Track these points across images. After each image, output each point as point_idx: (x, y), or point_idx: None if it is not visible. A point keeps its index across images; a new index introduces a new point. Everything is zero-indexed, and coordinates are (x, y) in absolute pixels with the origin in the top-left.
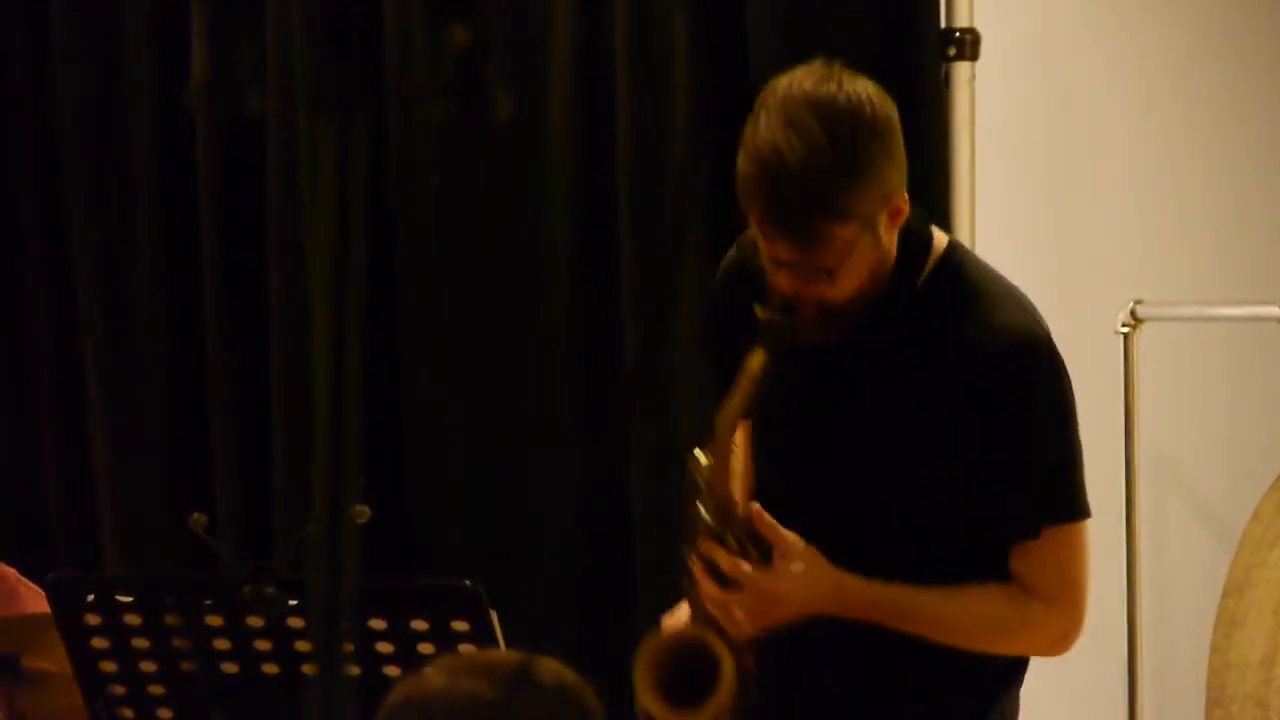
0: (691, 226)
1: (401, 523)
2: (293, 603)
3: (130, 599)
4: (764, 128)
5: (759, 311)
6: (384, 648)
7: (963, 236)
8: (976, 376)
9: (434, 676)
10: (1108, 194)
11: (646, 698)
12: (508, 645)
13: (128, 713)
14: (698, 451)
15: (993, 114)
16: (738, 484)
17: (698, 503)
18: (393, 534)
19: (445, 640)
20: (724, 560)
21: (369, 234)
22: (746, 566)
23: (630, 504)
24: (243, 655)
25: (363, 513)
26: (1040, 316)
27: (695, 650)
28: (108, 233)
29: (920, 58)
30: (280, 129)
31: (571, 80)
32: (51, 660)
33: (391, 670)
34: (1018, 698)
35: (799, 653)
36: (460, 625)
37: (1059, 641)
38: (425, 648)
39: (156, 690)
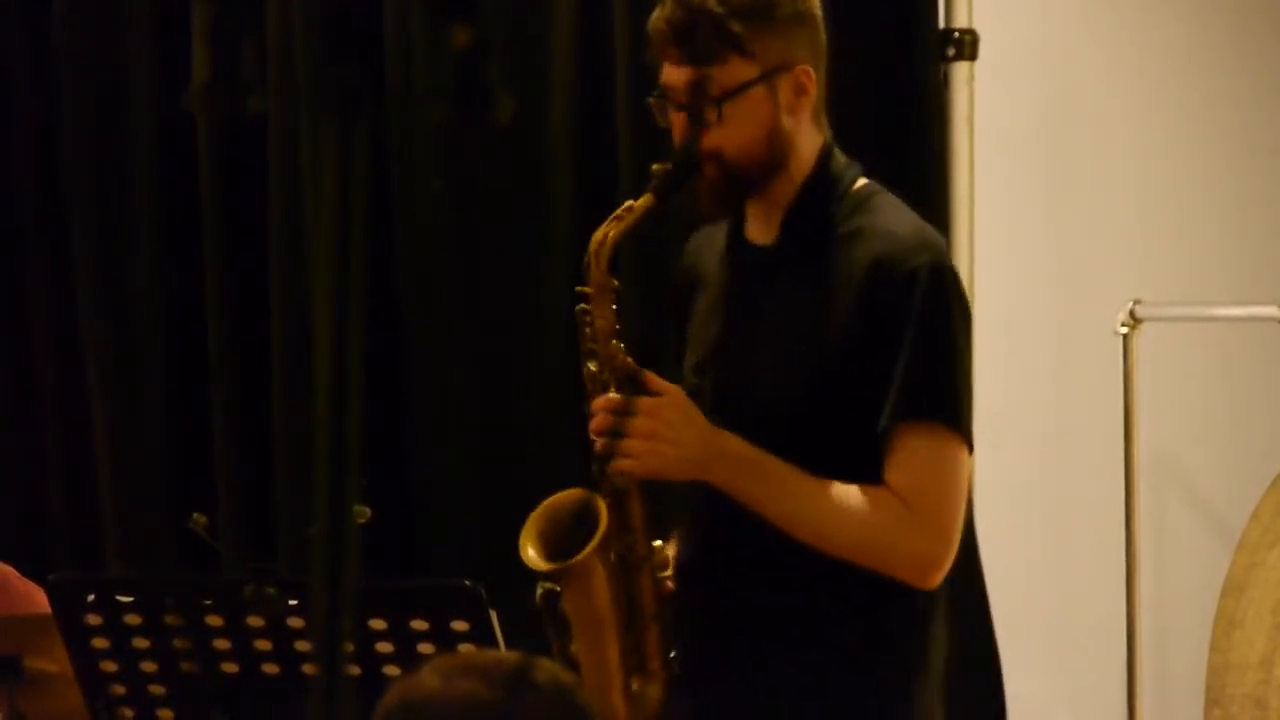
0: (692, 225)
1: (402, 523)
2: (293, 603)
3: (131, 599)
4: None
5: (654, 168)
6: (384, 648)
7: (962, 236)
8: (865, 275)
9: (429, 678)
10: (1107, 194)
11: (526, 551)
12: (508, 645)
13: (128, 713)
14: (579, 305)
15: (992, 114)
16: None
17: (588, 362)
18: (393, 534)
19: (445, 640)
20: (612, 396)
21: (370, 235)
22: (634, 398)
23: None
24: (243, 655)
25: (363, 513)
26: (939, 236)
27: (581, 508)
28: (108, 233)
29: (919, 58)
30: (281, 130)
31: (572, 81)
32: (53, 661)
33: (391, 670)
34: (931, 699)
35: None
36: (460, 625)
37: (925, 569)
38: (425, 648)
39: (157, 690)
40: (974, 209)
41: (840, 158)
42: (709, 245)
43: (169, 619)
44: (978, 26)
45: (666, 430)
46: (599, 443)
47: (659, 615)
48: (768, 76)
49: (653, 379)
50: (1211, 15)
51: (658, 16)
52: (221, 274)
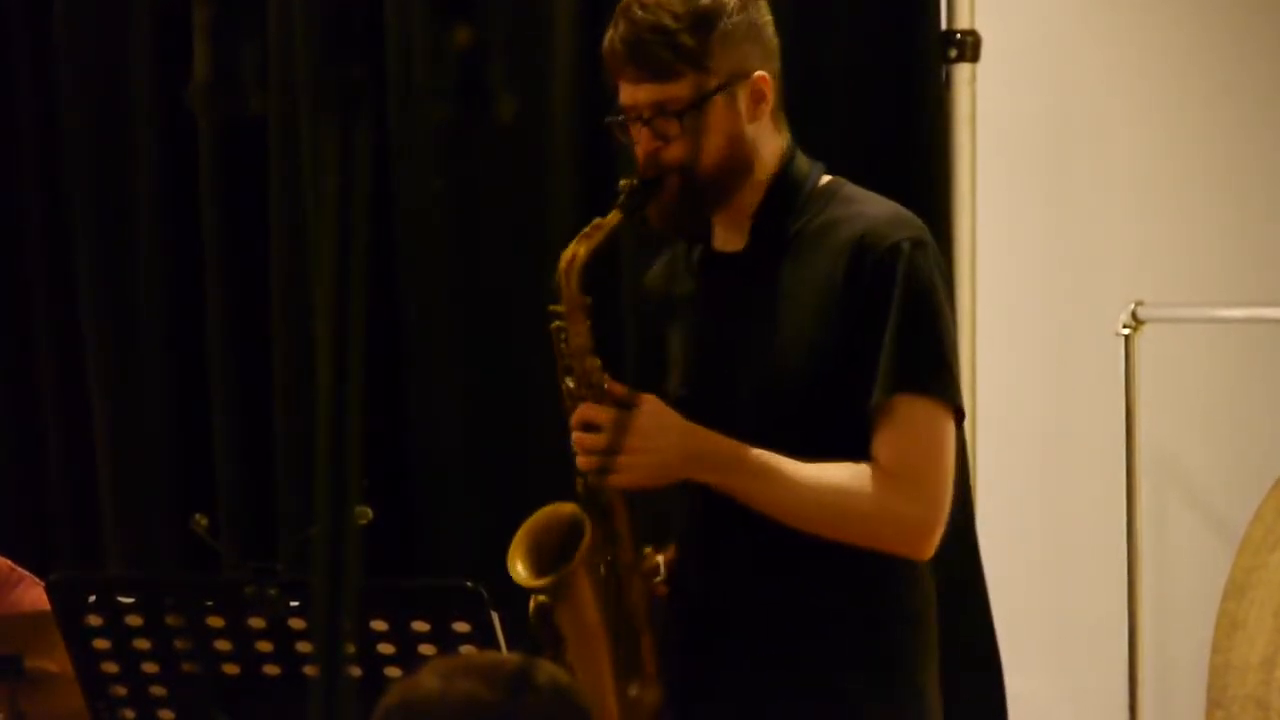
0: None
1: (403, 524)
2: (294, 604)
3: (132, 600)
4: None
5: (621, 184)
6: (385, 649)
7: (964, 237)
8: (847, 257)
9: (429, 679)
10: (1108, 195)
11: (514, 567)
12: (509, 647)
13: (129, 713)
14: (555, 322)
15: (993, 115)
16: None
17: (565, 378)
18: (395, 535)
19: (447, 641)
20: (590, 409)
21: (371, 235)
22: (605, 409)
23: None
24: (244, 656)
25: (364, 514)
26: (915, 216)
27: (567, 522)
28: (110, 233)
29: (921, 59)
30: (282, 129)
31: (572, 80)
32: (53, 661)
33: (393, 671)
34: (932, 693)
35: (705, 622)
36: (462, 626)
37: (916, 535)
38: (427, 649)
39: (158, 691)
40: (976, 210)
41: (802, 159)
42: (673, 269)
43: (170, 620)
44: (979, 28)
45: (644, 440)
46: (580, 459)
47: (652, 622)
48: (725, 87)
49: (625, 391)
50: (1213, 16)
51: (611, 37)
52: (222, 274)
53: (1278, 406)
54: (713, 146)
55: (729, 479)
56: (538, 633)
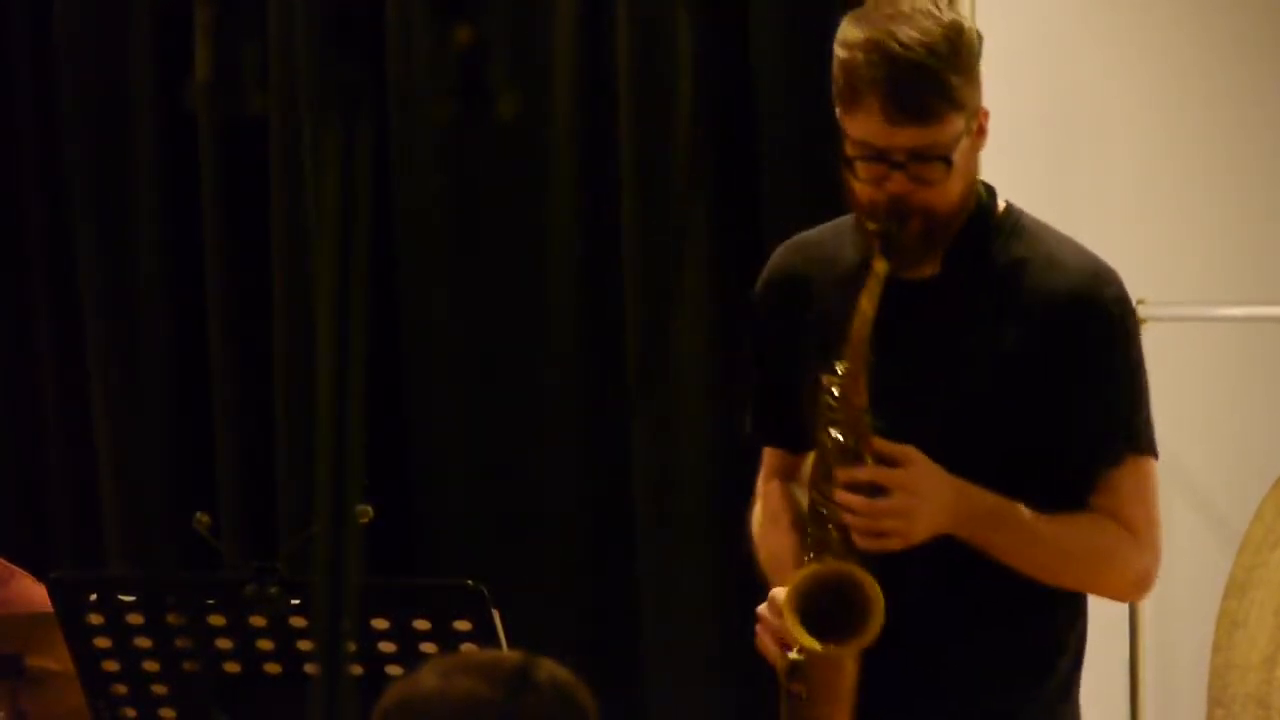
0: (693, 225)
1: (404, 523)
2: (295, 602)
3: (133, 598)
4: (870, 25)
5: (868, 225)
6: (387, 647)
7: None
8: (1058, 312)
9: (429, 677)
10: (1109, 194)
11: (800, 633)
12: (510, 645)
13: (130, 712)
14: (827, 376)
15: (993, 113)
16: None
17: (830, 429)
18: (395, 535)
19: (447, 640)
20: (867, 471)
21: (372, 233)
22: (888, 471)
23: (632, 502)
24: (245, 655)
25: (365, 512)
26: (1102, 259)
27: (838, 583)
28: (111, 231)
29: None
30: (282, 128)
31: (573, 79)
32: (54, 659)
33: (394, 670)
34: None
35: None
36: (462, 625)
37: (1141, 581)
38: (428, 647)
39: (159, 690)
40: None
41: (980, 184)
42: (817, 260)
43: (171, 618)
44: (980, 25)
45: (923, 504)
46: (854, 521)
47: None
48: (969, 124)
49: (895, 449)
50: (1213, 14)
51: (856, 68)
52: (223, 273)
53: (1279, 405)
54: (958, 186)
55: (992, 535)
56: (786, 684)
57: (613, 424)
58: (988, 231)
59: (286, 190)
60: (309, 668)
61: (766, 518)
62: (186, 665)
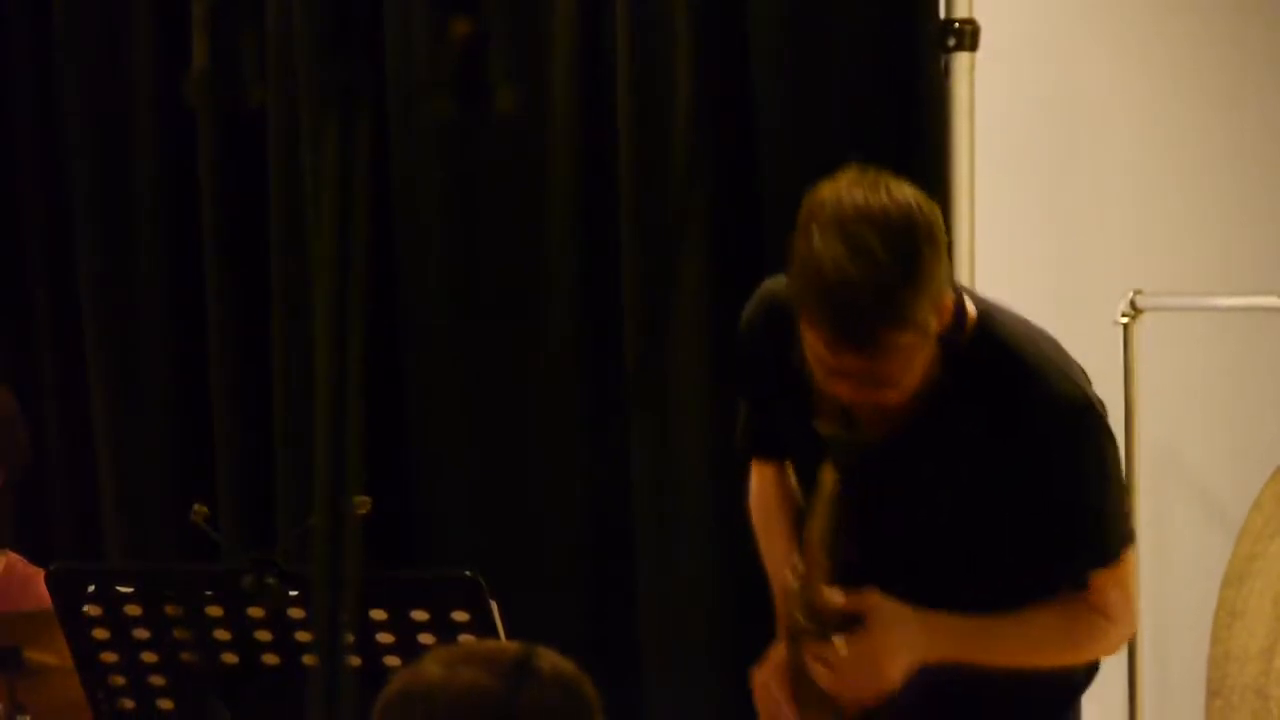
0: (692, 224)
1: (403, 521)
2: (293, 594)
3: (131, 590)
4: (820, 244)
5: (821, 426)
6: (385, 638)
7: (962, 228)
8: (1030, 444)
9: (431, 667)
10: (1107, 184)
11: None
12: (508, 638)
13: (128, 703)
14: (788, 570)
15: (992, 105)
16: (784, 513)
17: (796, 612)
18: (394, 532)
19: (446, 631)
20: (831, 652)
21: (371, 228)
22: (846, 648)
23: (631, 500)
24: (243, 646)
25: (364, 503)
26: (1081, 376)
27: None
28: (110, 226)
29: (920, 49)
30: (281, 124)
31: (573, 76)
32: (53, 653)
33: (392, 661)
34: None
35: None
36: (460, 616)
37: (1119, 646)
38: (426, 638)
39: (157, 681)
40: (974, 199)
41: (951, 295)
42: (782, 344)
43: (169, 610)
44: (979, 17)
45: (891, 659)
46: (836, 689)
47: None
48: (925, 330)
49: (856, 604)
50: (1212, 6)
51: (813, 286)
52: (222, 268)
53: (1277, 395)
54: (915, 379)
55: (963, 655)
56: None
57: (612, 424)
58: (955, 371)
59: (285, 184)
60: (307, 659)
61: (760, 511)
62: (184, 656)
